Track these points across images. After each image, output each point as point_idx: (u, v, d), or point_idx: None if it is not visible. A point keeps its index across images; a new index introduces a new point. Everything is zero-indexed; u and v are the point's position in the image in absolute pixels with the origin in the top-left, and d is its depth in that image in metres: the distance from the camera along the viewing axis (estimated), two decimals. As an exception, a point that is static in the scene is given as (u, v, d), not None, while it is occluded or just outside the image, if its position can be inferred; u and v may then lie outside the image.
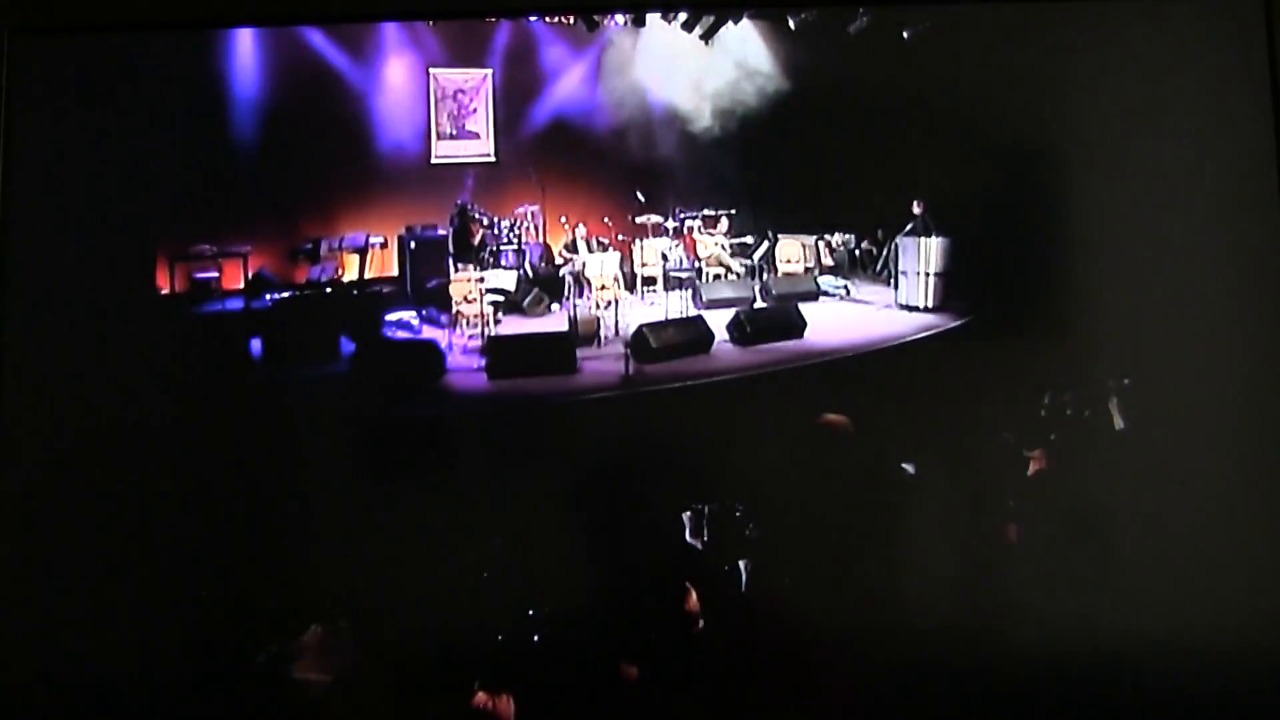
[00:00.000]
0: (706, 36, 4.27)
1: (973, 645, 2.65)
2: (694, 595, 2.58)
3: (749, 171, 4.00)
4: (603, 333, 3.82)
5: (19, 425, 2.33)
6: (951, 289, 3.93)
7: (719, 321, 3.87)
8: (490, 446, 2.96)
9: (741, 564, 2.68)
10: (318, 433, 2.85)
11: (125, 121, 2.46)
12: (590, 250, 4.32)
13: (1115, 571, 2.69)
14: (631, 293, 4.28)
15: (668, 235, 4.52)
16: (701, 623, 2.61)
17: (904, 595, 2.76)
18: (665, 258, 4.42)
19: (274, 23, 2.73)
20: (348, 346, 3.39)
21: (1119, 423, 3.01)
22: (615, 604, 2.60)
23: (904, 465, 3.12)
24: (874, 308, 4.31)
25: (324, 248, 3.75)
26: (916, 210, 3.86)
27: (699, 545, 2.76)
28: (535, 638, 2.55)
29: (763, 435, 3.08)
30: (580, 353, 3.50)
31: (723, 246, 4.44)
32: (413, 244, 4.08)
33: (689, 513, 2.82)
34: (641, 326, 3.64)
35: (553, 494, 2.78)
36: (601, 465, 2.89)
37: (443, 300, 3.85)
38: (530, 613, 2.58)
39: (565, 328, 3.86)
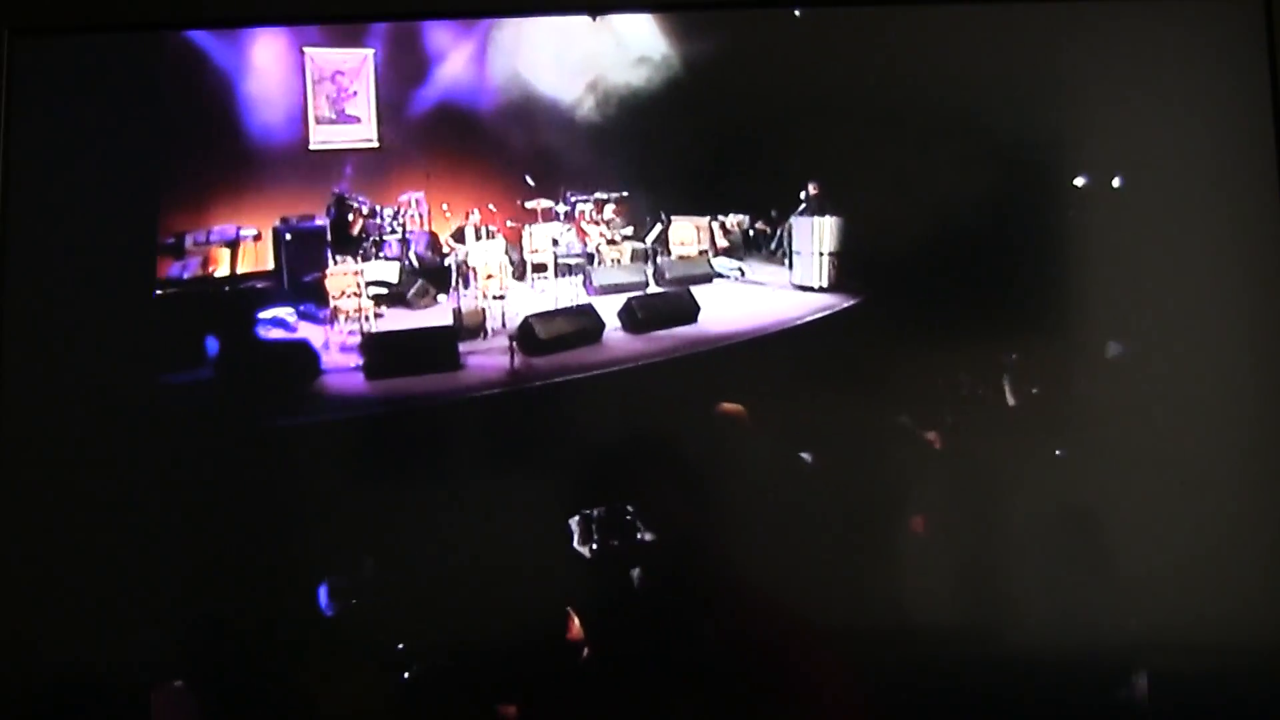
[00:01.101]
0: (594, 12, 3.99)
1: (887, 645, 2.54)
2: (576, 622, 2.34)
3: (641, 153, 3.71)
4: (489, 325, 3.53)
5: (16, 425, 2.29)
6: (846, 268, 3.67)
7: (611, 309, 3.60)
8: (364, 453, 2.68)
9: (634, 573, 2.44)
10: (175, 444, 2.54)
11: (125, 121, 2.43)
12: (479, 238, 4.03)
13: (1022, 558, 2.60)
14: (521, 281, 4.00)
15: (559, 220, 4.23)
16: (587, 650, 2.37)
17: (811, 597, 2.61)
18: (556, 243, 4.13)
19: (274, 23, 2.70)
20: (215, 348, 3.05)
21: (1010, 399, 2.96)
22: (493, 631, 2.35)
23: (802, 454, 2.89)
24: (769, 289, 4.06)
25: (189, 242, 3.39)
26: (811, 190, 3.62)
27: (586, 553, 2.51)
28: (405, 674, 2.28)
29: (656, 429, 2.94)
30: (464, 347, 3.22)
31: (607, 239, 4.19)
32: (288, 236, 3.73)
33: (577, 517, 2.58)
34: (528, 317, 3.39)
35: (427, 505, 2.52)
36: (482, 469, 2.63)
37: (321, 295, 3.52)
38: (400, 646, 2.31)
39: (449, 321, 3.56)
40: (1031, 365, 2.73)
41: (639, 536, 2.57)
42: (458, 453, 2.73)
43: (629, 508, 2.60)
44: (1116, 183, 2.42)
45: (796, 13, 3.05)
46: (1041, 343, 2.61)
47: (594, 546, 2.54)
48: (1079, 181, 2.58)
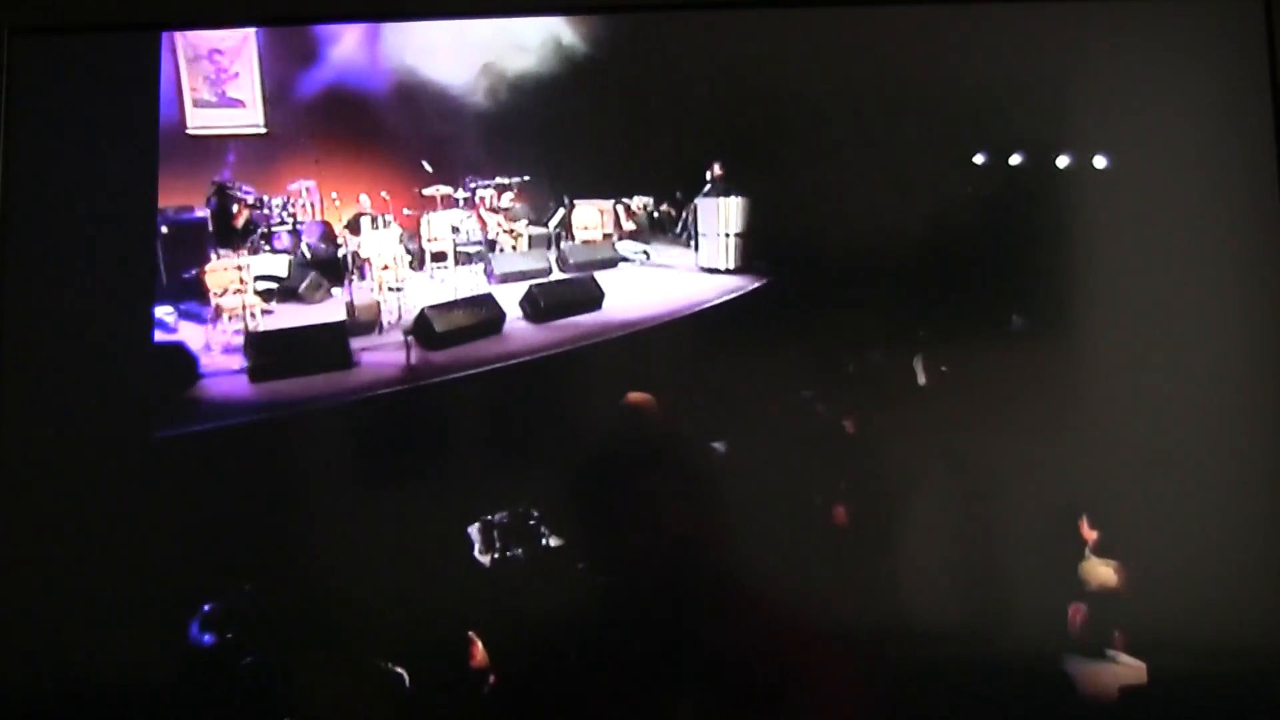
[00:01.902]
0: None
1: (815, 641, 2.45)
2: (480, 647, 2.14)
3: (542, 136, 3.49)
4: (385, 318, 3.29)
5: (14, 424, 2.24)
6: (753, 249, 3.53)
7: (513, 298, 3.39)
8: (246, 464, 2.44)
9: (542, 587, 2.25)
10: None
11: (125, 121, 2.40)
12: (375, 227, 3.76)
13: (940, 542, 2.53)
14: (419, 271, 3.76)
15: (459, 207, 3.99)
16: (493, 678, 2.18)
17: (727, 590, 2.50)
18: (456, 230, 3.90)
19: (275, 22, 2.70)
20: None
21: (921, 378, 2.91)
22: (390, 653, 2.15)
23: (714, 444, 2.72)
24: (675, 272, 3.89)
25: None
26: (716, 171, 3.48)
27: (487, 563, 2.31)
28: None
29: (560, 424, 2.75)
30: (357, 343, 2.98)
31: (503, 229, 3.96)
32: (164, 229, 3.41)
33: (477, 525, 2.38)
34: (424, 309, 3.16)
35: (315, 517, 2.30)
36: (375, 475, 2.42)
37: (202, 292, 3.23)
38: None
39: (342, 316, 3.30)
40: (942, 344, 2.66)
41: (544, 542, 2.38)
42: (349, 458, 2.50)
43: (534, 512, 2.41)
44: (1101, 162, 2.31)
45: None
46: (951, 321, 2.55)
47: (495, 555, 2.34)
48: (1015, 160, 2.51)
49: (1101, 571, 2.37)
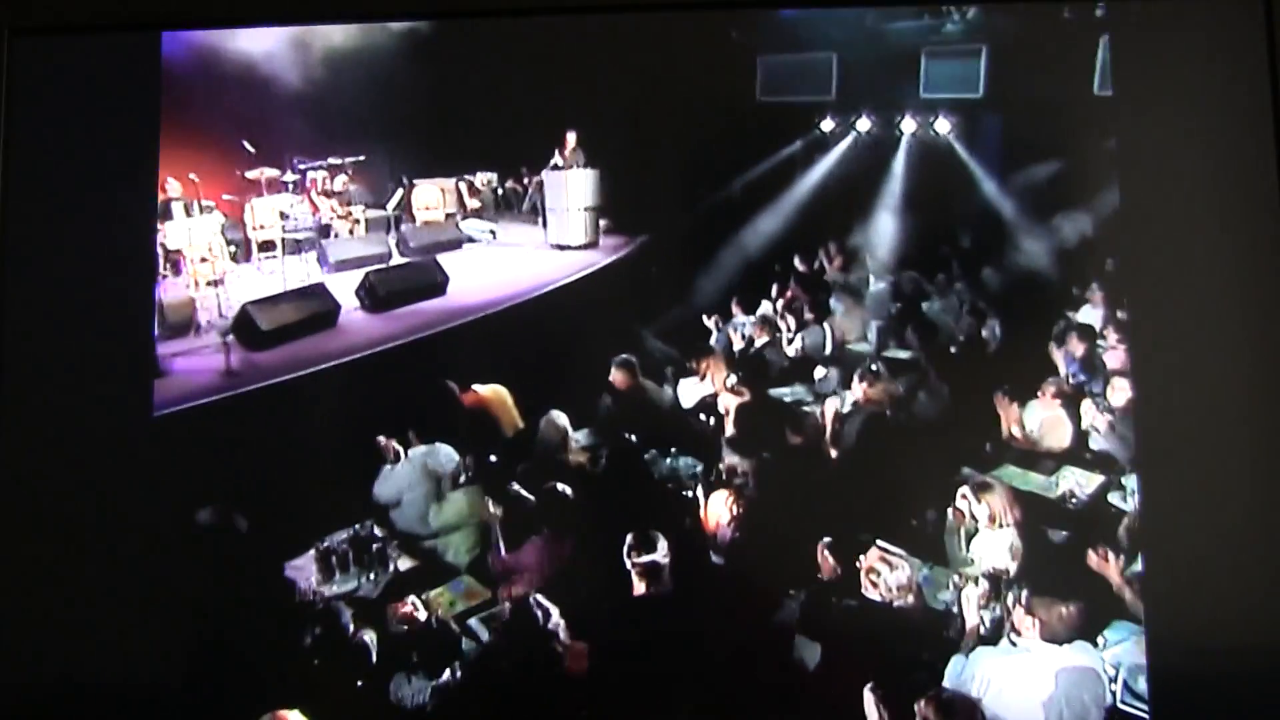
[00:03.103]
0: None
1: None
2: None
3: (377, 112, 3.13)
4: (202, 317, 2.89)
5: (14, 423, 2.17)
6: (608, 222, 3.47)
7: (349, 287, 3.05)
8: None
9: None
10: None
11: (125, 121, 2.32)
12: (190, 214, 3.31)
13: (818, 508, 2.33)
14: (245, 262, 3.35)
15: (288, 190, 3.58)
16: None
17: (594, 585, 2.23)
18: (285, 216, 3.50)
19: (275, 22, 2.62)
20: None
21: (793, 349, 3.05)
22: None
23: (575, 436, 2.54)
24: (525, 250, 3.62)
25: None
26: (569, 142, 3.23)
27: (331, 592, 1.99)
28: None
29: (401, 426, 2.46)
30: (167, 348, 2.57)
31: (338, 213, 3.58)
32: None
33: (313, 550, 2.05)
34: (246, 305, 2.77)
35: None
36: (190, 501, 2.07)
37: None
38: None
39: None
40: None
41: (392, 566, 2.06)
42: (152, 486, 2.11)
43: (376, 531, 2.08)
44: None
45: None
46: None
47: (339, 577, 2.01)
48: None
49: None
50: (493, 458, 2.44)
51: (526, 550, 2.21)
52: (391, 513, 2.32)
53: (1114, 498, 2.57)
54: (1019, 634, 2.02)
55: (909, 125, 2.88)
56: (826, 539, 2.16)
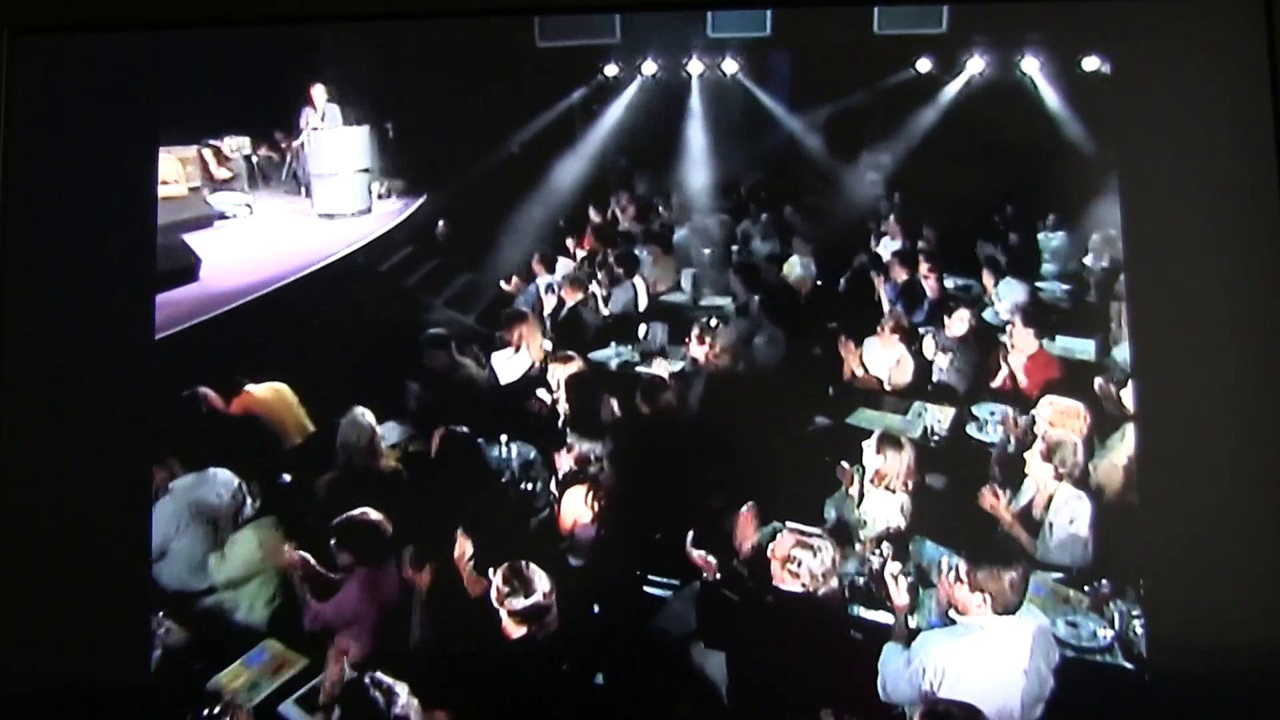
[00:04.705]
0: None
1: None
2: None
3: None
4: None
5: (15, 423, 2.01)
6: (389, 184, 3.09)
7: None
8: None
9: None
10: None
11: (125, 121, 2.21)
12: None
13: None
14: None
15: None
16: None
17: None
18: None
19: (275, 23, 2.26)
20: None
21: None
22: None
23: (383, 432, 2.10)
24: (288, 224, 3.15)
25: None
26: (317, 98, 2.87)
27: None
28: None
29: (157, 451, 1.98)
30: None
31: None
32: None
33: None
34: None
35: None
36: None
37: None
38: None
39: None
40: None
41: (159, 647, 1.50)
42: None
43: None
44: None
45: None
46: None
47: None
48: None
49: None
50: (286, 477, 1.96)
51: (346, 592, 1.71)
52: (156, 568, 1.75)
53: (971, 430, 2.50)
54: (962, 612, 1.72)
55: (696, 67, 2.71)
56: (690, 534, 1.84)
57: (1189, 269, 1.98)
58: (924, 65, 2.65)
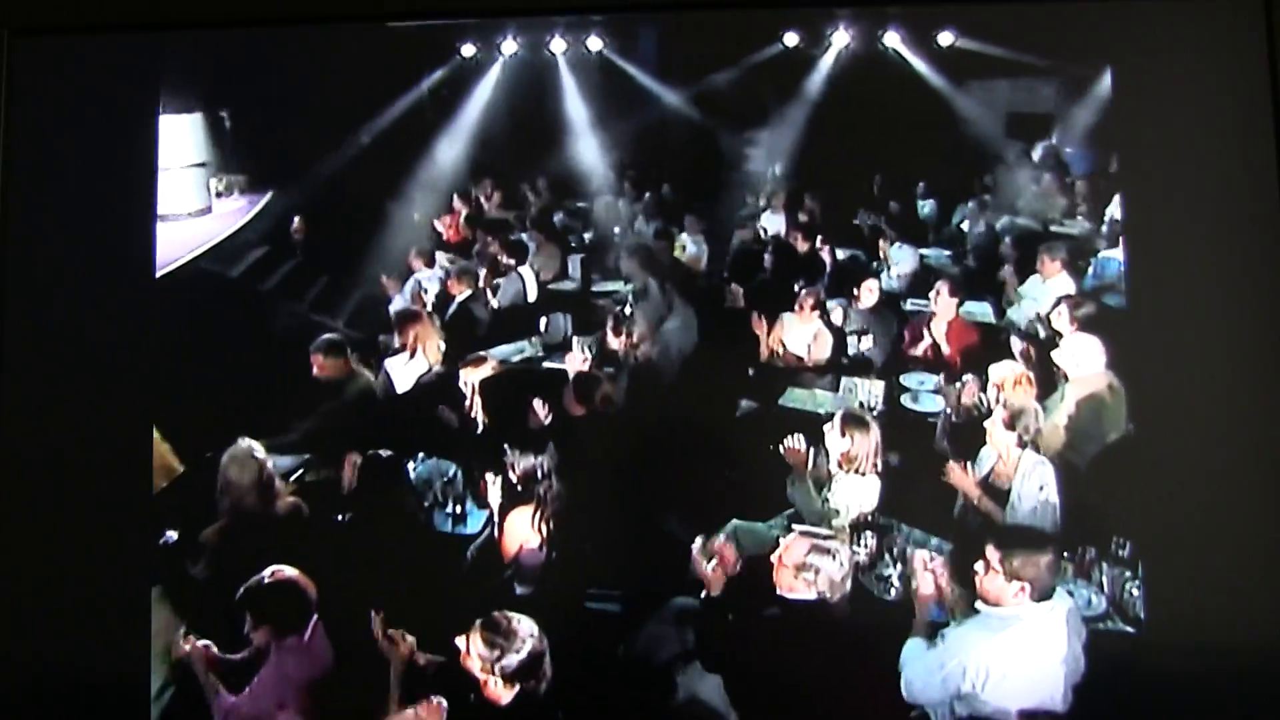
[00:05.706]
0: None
1: None
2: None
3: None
4: None
5: (16, 422, 1.98)
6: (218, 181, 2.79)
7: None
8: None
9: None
10: None
11: (125, 121, 2.18)
12: None
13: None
14: None
15: None
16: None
17: None
18: None
19: (275, 22, 2.24)
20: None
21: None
22: None
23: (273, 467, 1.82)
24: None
25: None
26: None
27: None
28: None
29: None
30: None
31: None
32: None
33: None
34: None
35: None
36: None
37: None
38: None
39: None
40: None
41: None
42: None
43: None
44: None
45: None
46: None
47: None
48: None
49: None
50: (172, 535, 1.62)
51: (265, 676, 1.34)
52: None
53: (906, 400, 2.44)
54: (996, 604, 1.58)
55: (559, 45, 2.53)
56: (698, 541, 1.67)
57: (1190, 270, 1.96)
58: (791, 39, 2.52)
